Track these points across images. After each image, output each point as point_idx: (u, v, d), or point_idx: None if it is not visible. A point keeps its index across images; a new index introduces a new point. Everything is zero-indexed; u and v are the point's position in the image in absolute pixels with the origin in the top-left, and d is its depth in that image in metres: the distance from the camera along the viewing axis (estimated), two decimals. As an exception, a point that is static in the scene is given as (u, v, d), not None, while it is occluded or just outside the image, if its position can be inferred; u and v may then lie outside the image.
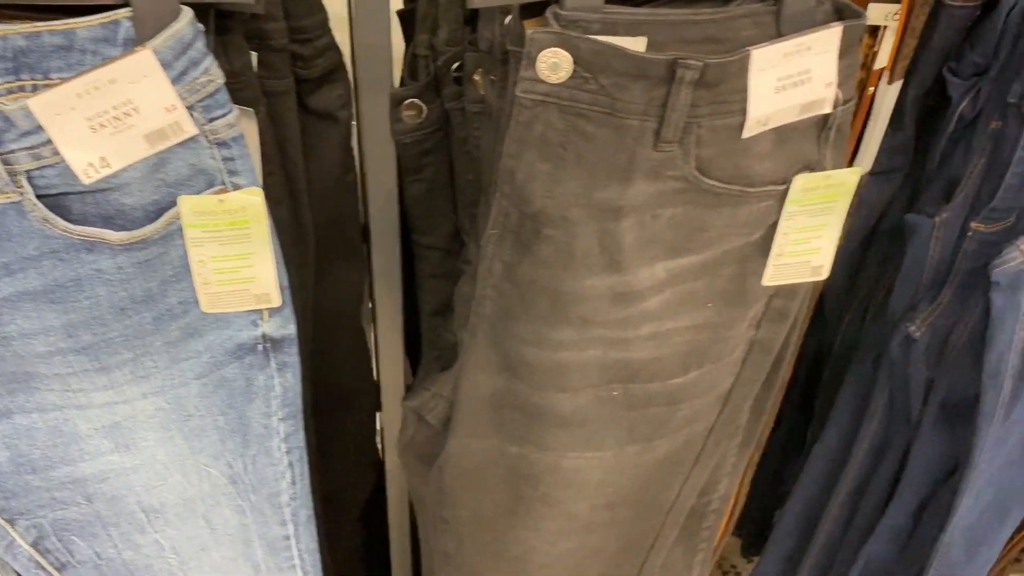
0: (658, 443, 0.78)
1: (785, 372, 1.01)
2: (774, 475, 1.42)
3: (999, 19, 0.81)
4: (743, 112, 0.59)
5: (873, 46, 0.79)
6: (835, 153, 0.66)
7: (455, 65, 0.74)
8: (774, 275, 0.71)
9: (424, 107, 0.73)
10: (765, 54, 0.58)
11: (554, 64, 0.56)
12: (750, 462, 1.10)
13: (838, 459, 1.20)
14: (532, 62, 0.56)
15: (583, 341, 0.69)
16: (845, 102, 0.64)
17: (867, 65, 0.80)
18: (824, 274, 0.72)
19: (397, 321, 0.89)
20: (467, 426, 0.75)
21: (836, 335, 1.19)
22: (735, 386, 0.78)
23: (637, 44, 0.57)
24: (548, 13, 0.56)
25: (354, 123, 0.80)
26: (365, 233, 0.84)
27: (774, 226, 0.68)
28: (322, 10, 0.67)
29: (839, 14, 0.62)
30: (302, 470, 0.81)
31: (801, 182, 0.65)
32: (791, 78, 0.59)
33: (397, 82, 0.79)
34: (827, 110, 0.63)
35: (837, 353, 1.19)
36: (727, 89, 0.58)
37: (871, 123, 0.79)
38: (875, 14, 0.76)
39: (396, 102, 0.72)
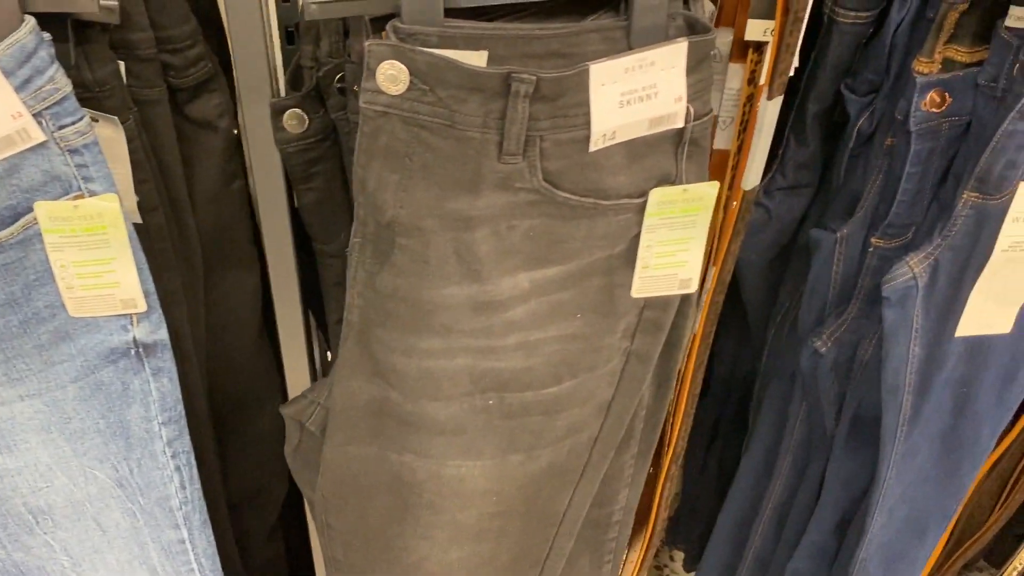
0: (540, 452, 0.79)
1: (689, 384, 1.01)
2: (716, 489, 1.42)
3: (887, 36, 0.81)
4: (587, 126, 0.60)
5: (759, 61, 0.79)
6: (694, 167, 0.66)
7: (339, 76, 0.75)
8: (642, 287, 0.71)
9: (306, 117, 0.74)
10: (604, 69, 0.58)
11: (392, 76, 0.57)
12: (668, 474, 1.09)
13: (764, 474, 1.20)
14: (372, 73, 0.57)
15: (450, 350, 0.69)
16: (700, 117, 0.64)
17: (754, 80, 0.80)
18: (692, 287, 0.72)
19: (299, 328, 0.90)
20: (343, 433, 0.76)
21: (763, 350, 1.19)
22: (615, 397, 0.78)
23: (479, 58, 0.58)
24: (388, 26, 0.57)
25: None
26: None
27: (637, 238, 0.68)
28: (190, 21, 0.68)
29: (691, 29, 0.62)
30: (191, 474, 0.81)
31: (658, 195, 0.65)
32: (635, 93, 0.60)
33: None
34: (679, 125, 0.63)
35: (764, 368, 1.19)
36: (567, 103, 0.59)
37: (755, 138, 0.79)
38: (753, 30, 0.77)
39: (277, 112, 0.73)
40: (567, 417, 0.77)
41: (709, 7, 0.86)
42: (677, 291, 0.72)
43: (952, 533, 1.36)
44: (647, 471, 0.93)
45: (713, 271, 0.91)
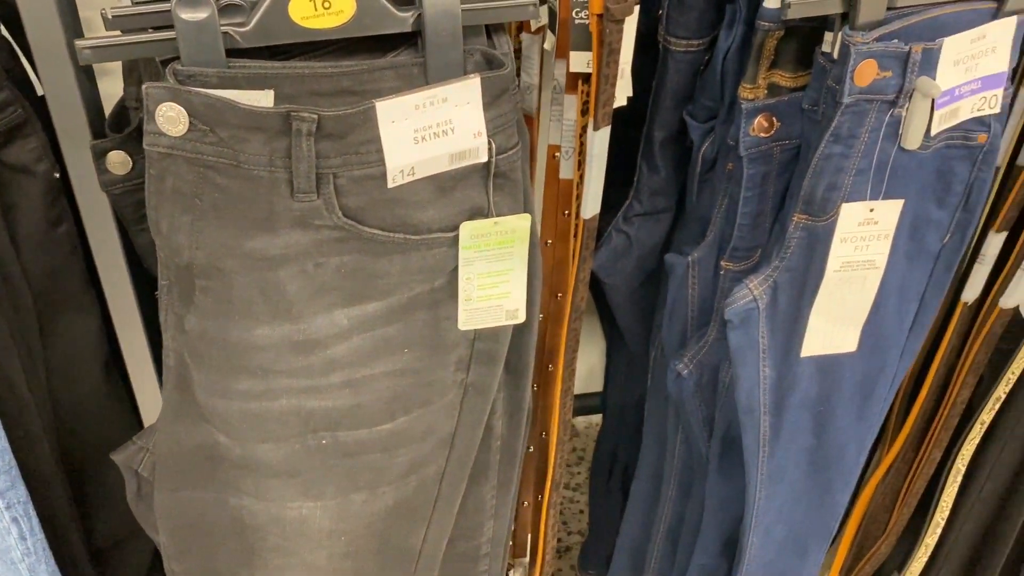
0: (385, 490, 0.78)
1: (559, 412, 1.01)
2: (620, 514, 1.42)
3: (717, 64, 0.83)
4: (383, 162, 0.60)
5: (589, 92, 0.80)
6: (507, 199, 0.67)
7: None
8: (468, 320, 0.71)
9: (130, 159, 0.73)
10: (393, 106, 0.59)
11: (171, 117, 0.56)
12: (549, 502, 1.09)
13: (653, 498, 1.21)
14: (151, 116, 0.57)
15: (270, 391, 0.68)
16: (504, 151, 0.64)
17: (587, 111, 0.81)
18: (520, 318, 0.72)
19: (148, 368, 0.88)
20: (173, 479, 0.74)
21: (647, 374, 1.20)
22: (458, 430, 0.78)
23: (265, 97, 0.58)
24: (168, 69, 0.57)
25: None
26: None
27: (456, 272, 0.68)
28: (-8, 68, 0.67)
29: (489, 65, 0.63)
30: (31, 525, 0.79)
31: (469, 229, 0.65)
32: (430, 129, 0.60)
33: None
34: (483, 159, 0.63)
35: (649, 392, 1.20)
36: (357, 140, 0.59)
37: (587, 168, 0.80)
38: (576, 61, 0.78)
39: (98, 154, 0.72)
40: (408, 453, 0.76)
41: (551, 39, 0.88)
42: (505, 322, 0.72)
43: (850, 549, 1.38)
44: (512, 503, 0.93)
45: (567, 299, 0.91)
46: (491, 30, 0.66)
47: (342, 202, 0.61)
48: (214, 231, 0.60)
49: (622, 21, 0.71)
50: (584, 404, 1.42)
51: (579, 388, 1.66)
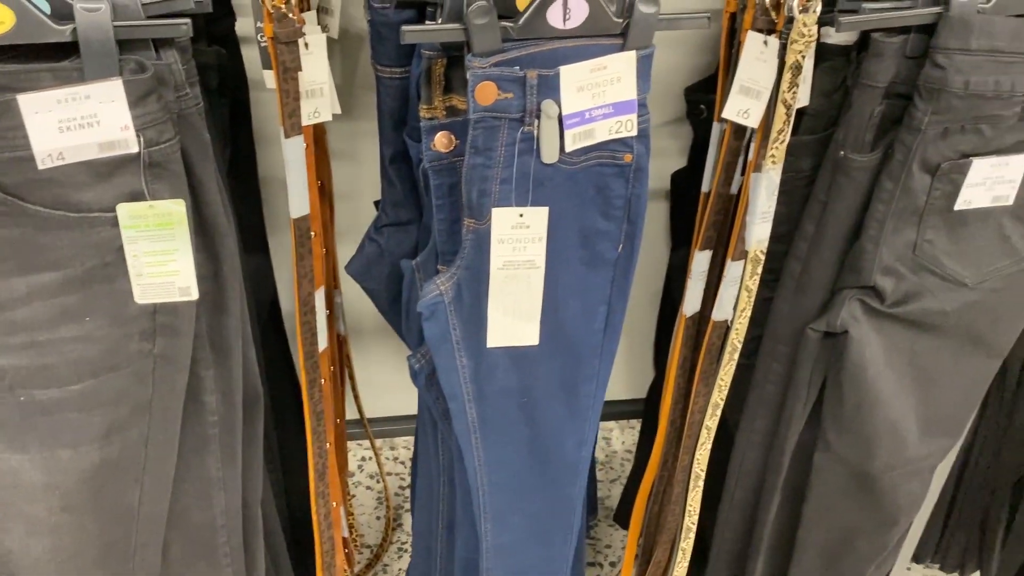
0: (87, 449, 0.87)
1: (308, 401, 1.11)
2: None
3: (411, 89, 0.95)
4: (30, 147, 0.72)
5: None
6: (165, 187, 0.78)
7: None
8: (143, 294, 0.82)
9: None
10: (34, 99, 0.70)
11: None
12: (317, 492, 1.18)
13: (430, 493, 1.29)
14: None
15: (-40, 345, 0.79)
16: (157, 143, 0.76)
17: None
18: (192, 295, 0.83)
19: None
20: None
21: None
22: (154, 397, 0.88)
23: (-72, 89, 0.70)
24: None
25: None
26: None
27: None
28: None
29: (142, 72, 0.75)
30: None
31: (125, 210, 0.77)
32: (74, 120, 0.72)
33: None
34: (133, 150, 0.75)
35: (430, 394, 1.29)
36: (3, 127, 0.71)
37: (287, 173, 0.91)
38: (268, 79, 0.90)
39: None
40: (103, 414, 0.86)
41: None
42: (179, 298, 0.83)
43: (636, 557, 1.45)
44: (244, 477, 1.02)
45: (296, 294, 1.02)
46: (158, 45, 0.78)
47: (-1, 180, 0.73)
48: None
49: (291, 43, 0.84)
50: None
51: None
